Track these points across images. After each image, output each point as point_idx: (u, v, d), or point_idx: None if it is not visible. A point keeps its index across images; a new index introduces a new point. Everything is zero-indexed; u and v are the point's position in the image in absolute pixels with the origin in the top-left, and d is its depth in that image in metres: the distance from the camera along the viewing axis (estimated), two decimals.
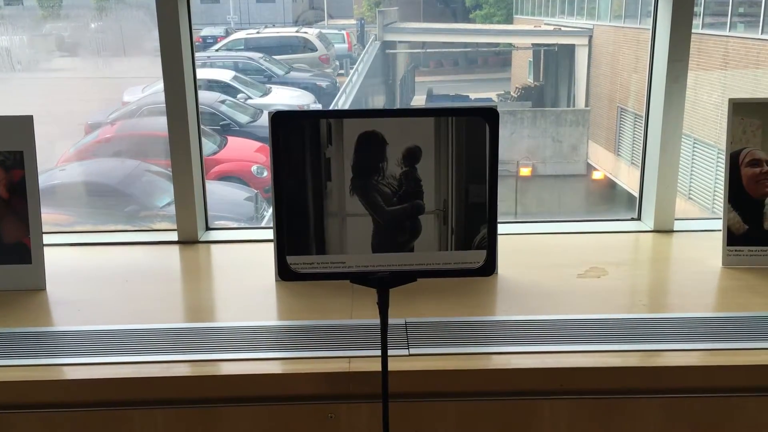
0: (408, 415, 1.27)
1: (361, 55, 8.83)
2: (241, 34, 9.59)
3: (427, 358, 1.29)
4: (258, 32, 9.51)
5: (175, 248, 1.82)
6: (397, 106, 9.75)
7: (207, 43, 9.96)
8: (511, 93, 12.47)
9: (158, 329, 1.39)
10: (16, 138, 1.54)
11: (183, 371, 1.26)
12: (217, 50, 9.19)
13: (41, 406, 1.25)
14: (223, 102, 7.00)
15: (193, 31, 1.82)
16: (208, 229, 1.92)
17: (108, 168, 5.61)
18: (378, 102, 9.37)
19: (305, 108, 7.49)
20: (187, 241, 1.84)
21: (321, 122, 1.63)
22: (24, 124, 1.54)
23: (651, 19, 1.86)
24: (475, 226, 1.65)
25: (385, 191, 1.65)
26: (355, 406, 1.26)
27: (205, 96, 7.23)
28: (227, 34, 10.09)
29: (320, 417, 1.26)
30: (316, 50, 8.78)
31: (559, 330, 1.38)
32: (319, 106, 7.45)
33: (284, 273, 1.09)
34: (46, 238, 1.60)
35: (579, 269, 1.65)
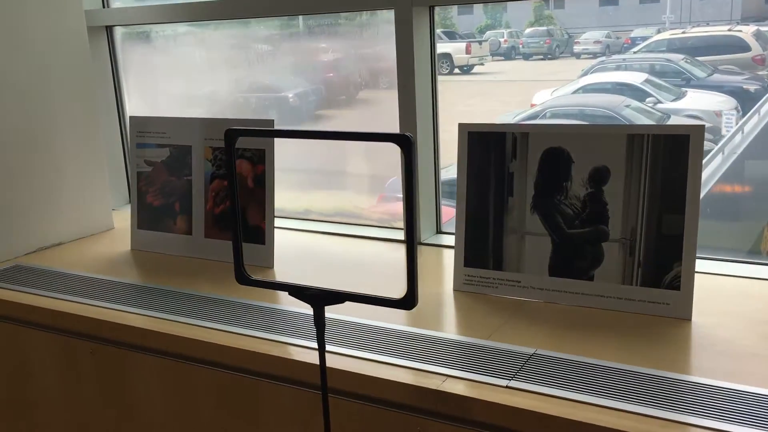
0: None
1: None
2: (664, 35, 9.10)
3: (525, 394, 1.20)
4: (683, 32, 8.92)
5: (400, 247, 1.94)
6: None
7: (635, 44, 9.69)
8: None
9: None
10: (261, 138, 1.83)
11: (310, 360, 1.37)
12: (635, 52, 8.89)
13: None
14: (627, 106, 6.78)
15: (435, 44, 1.91)
16: (438, 232, 1.99)
17: None
18: None
19: (723, 114, 6.82)
20: None
21: (506, 135, 1.58)
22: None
23: None
24: (668, 261, 1.43)
25: (567, 212, 1.53)
26: (442, 426, 1.23)
27: (609, 99, 7.09)
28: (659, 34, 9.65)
29: (409, 428, 1.27)
30: (750, 50, 7.88)
31: (720, 401, 1.14)
32: (732, 116, 6.69)
33: (240, 277, 1.15)
34: (281, 222, 1.86)
35: None
